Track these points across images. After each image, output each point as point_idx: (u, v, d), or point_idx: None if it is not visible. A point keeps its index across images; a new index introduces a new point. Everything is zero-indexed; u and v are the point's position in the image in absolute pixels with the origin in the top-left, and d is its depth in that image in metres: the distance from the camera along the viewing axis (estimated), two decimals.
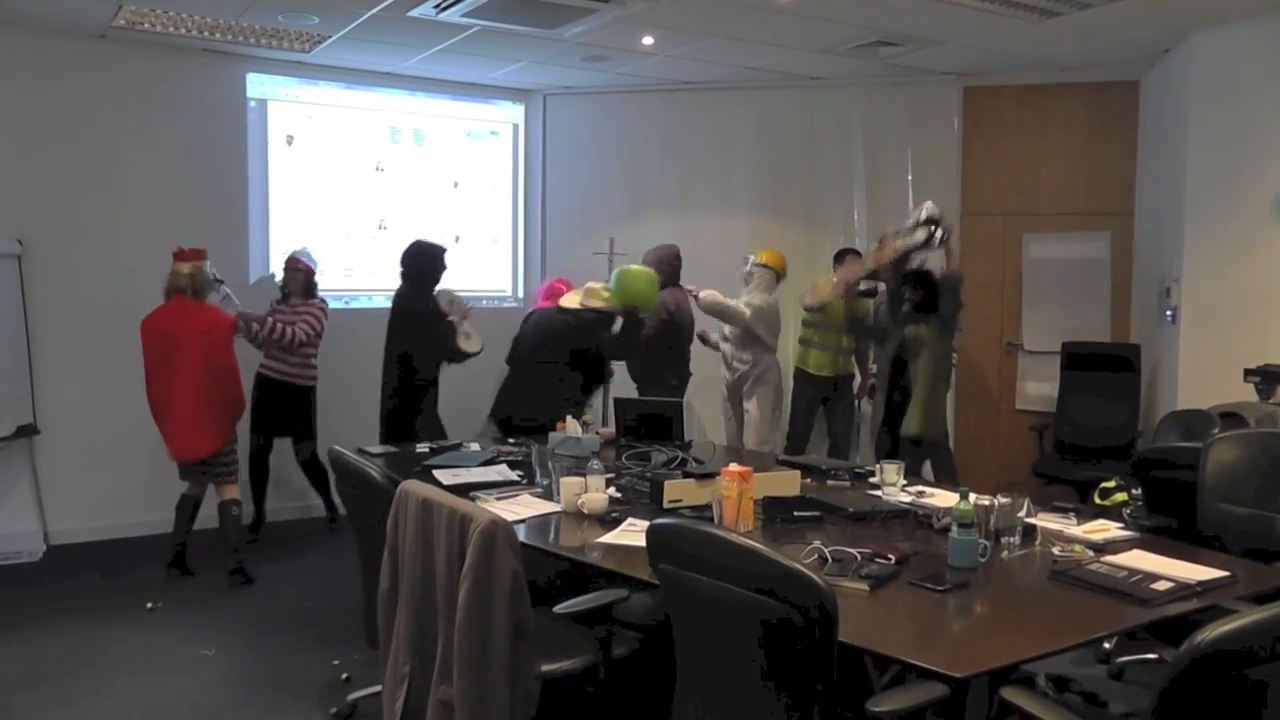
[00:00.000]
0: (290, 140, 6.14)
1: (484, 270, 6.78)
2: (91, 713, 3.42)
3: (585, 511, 3.05)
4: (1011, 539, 2.71)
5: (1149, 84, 5.88)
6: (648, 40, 5.45)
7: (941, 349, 4.94)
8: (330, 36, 5.38)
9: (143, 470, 5.56)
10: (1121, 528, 2.93)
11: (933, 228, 4.86)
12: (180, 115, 5.72)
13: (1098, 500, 4.17)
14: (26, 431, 5.27)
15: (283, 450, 5.62)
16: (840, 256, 5.88)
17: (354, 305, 6.26)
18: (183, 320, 4.61)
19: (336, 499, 5.05)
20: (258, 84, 5.99)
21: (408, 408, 4.85)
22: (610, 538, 2.86)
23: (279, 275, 5.65)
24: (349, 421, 5.71)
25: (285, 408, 5.47)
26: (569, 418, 4.21)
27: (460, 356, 5.06)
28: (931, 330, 4.90)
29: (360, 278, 6.33)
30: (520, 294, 6.97)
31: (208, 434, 4.62)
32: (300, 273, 5.47)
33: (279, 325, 5.18)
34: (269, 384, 5.40)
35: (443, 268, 5.02)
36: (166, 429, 4.66)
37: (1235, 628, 1.65)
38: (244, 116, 5.95)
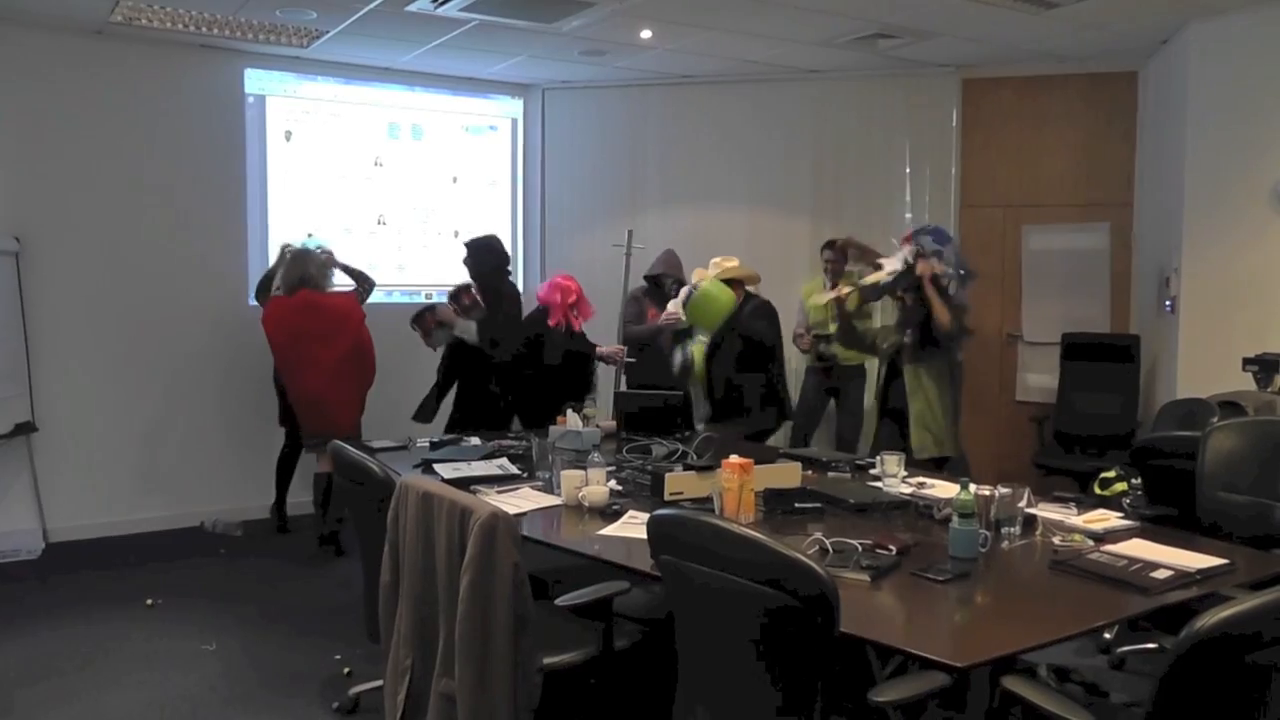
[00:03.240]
0: (288, 136, 6.13)
1: None
2: (92, 709, 3.42)
3: (586, 505, 3.06)
4: (1012, 529, 2.72)
5: (1148, 75, 5.87)
6: (646, 34, 5.43)
7: (948, 372, 4.58)
8: (328, 32, 5.37)
9: (141, 467, 5.57)
10: (1121, 517, 2.94)
11: (909, 260, 4.57)
12: (178, 111, 5.70)
13: (1098, 490, 4.18)
14: (25, 429, 5.26)
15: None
16: (830, 246, 5.79)
17: None
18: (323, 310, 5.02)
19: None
20: (255, 79, 5.98)
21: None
22: (611, 530, 2.86)
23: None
24: None
25: None
26: (569, 411, 4.21)
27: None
28: (935, 367, 4.53)
29: None
30: (519, 289, 6.94)
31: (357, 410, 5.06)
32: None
33: None
34: None
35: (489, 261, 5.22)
36: (315, 409, 4.94)
37: (1237, 612, 1.65)
38: (242, 112, 5.94)
